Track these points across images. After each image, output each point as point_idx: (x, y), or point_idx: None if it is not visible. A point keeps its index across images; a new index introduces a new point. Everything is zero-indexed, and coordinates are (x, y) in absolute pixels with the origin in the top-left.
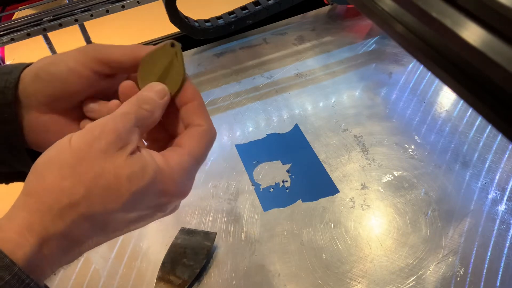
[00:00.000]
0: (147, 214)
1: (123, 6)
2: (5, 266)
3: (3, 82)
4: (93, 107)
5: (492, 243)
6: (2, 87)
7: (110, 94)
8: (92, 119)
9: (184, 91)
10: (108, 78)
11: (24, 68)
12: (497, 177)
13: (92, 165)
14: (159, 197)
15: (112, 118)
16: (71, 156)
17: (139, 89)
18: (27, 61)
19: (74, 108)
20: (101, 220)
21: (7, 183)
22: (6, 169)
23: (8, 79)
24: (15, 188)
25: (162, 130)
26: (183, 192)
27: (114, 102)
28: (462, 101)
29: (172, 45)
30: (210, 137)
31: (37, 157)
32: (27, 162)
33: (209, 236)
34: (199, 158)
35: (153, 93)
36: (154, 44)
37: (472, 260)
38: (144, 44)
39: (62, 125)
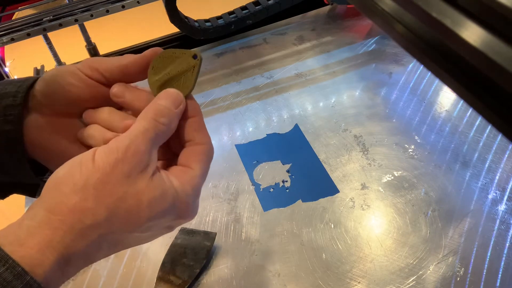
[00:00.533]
0: (157, 233)
1: (123, 6)
2: (17, 275)
3: (16, 88)
4: (89, 113)
5: (492, 243)
6: (14, 91)
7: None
8: (87, 124)
9: (186, 106)
10: (105, 87)
11: (37, 78)
12: (497, 177)
13: (115, 189)
14: (173, 220)
15: (133, 138)
16: (94, 177)
17: (148, 78)
18: (27, 61)
19: (74, 114)
20: (117, 240)
21: (3, 197)
22: (5, 178)
23: (22, 85)
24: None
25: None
26: (193, 214)
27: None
28: (462, 101)
29: (195, 57)
30: (212, 154)
31: (36, 167)
32: (26, 170)
33: (209, 236)
34: (205, 177)
35: (169, 101)
36: (153, 45)
37: (472, 260)
38: (145, 44)
39: (58, 127)
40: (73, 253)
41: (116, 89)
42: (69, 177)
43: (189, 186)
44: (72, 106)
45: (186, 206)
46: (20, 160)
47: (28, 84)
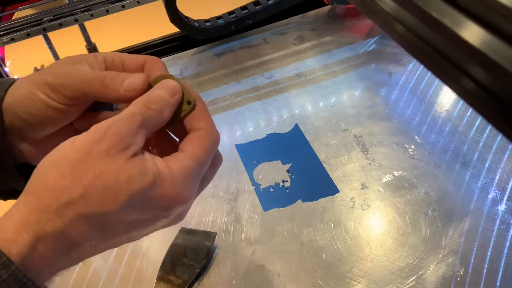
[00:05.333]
0: (148, 219)
1: (123, 6)
2: (2, 264)
3: None
4: (83, 122)
5: (492, 243)
6: None
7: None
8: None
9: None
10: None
11: (7, 88)
12: (497, 177)
13: (92, 166)
14: (158, 202)
15: (117, 120)
16: (72, 156)
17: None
18: (27, 61)
19: (60, 129)
20: (99, 221)
21: (5, 199)
22: (1, 187)
23: None
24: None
25: (172, 144)
26: (185, 197)
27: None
28: (462, 101)
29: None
30: (211, 139)
31: (28, 174)
32: (19, 181)
33: (209, 236)
34: (202, 162)
35: (164, 90)
36: (153, 43)
37: (472, 260)
38: (145, 44)
39: (55, 143)
40: (50, 232)
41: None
42: (49, 162)
43: (175, 166)
44: (53, 126)
45: (171, 186)
46: (10, 173)
47: (1, 97)
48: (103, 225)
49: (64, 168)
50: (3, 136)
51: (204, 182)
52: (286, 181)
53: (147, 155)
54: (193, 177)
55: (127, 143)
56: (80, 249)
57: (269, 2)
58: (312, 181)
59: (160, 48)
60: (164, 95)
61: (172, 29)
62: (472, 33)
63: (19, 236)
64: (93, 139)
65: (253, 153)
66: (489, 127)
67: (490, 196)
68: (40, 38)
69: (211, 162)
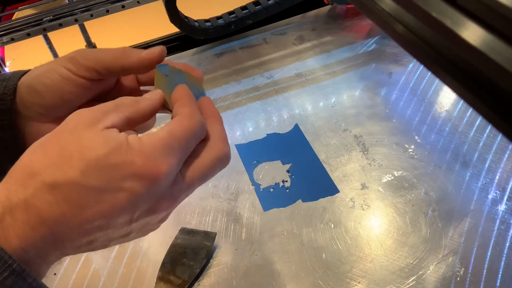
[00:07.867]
0: (117, 190)
1: (123, 6)
2: None
3: (1, 89)
4: None
5: (492, 243)
6: (0, 93)
7: (104, 96)
8: None
9: (174, 92)
10: (100, 82)
11: (21, 76)
12: (497, 177)
13: (59, 140)
14: (125, 169)
15: (91, 107)
16: (45, 137)
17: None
18: (27, 61)
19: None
20: (63, 191)
21: None
22: None
23: (7, 86)
24: None
25: None
26: (155, 167)
27: None
28: (462, 101)
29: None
30: (191, 122)
31: None
32: None
33: (209, 236)
34: (177, 136)
35: (147, 94)
36: (153, 44)
37: (472, 260)
38: (145, 44)
39: None
40: (16, 202)
41: None
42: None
43: (147, 138)
44: (68, 107)
45: (139, 153)
46: None
47: (14, 84)
48: (68, 196)
49: (36, 146)
50: (14, 122)
51: (197, 166)
52: (286, 181)
53: (120, 132)
54: (166, 149)
55: (95, 120)
56: (52, 227)
57: (269, 2)
58: (312, 181)
59: None
60: (145, 95)
61: (172, 29)
62: (472, 33)
63: None
64: (66, 120)
65: (253, 153)
66: (489, 127)
67: (490, 196)
68: (40, 38)
69: (211, 146)
